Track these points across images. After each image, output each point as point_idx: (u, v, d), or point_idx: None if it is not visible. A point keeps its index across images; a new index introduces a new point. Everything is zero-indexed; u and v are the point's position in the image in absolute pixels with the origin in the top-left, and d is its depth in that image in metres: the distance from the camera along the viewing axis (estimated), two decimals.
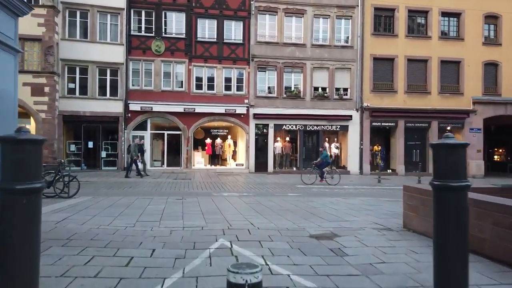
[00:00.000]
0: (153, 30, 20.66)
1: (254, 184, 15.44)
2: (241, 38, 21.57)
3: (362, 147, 22.65)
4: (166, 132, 21.39)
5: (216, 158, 22.73)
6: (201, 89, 21.25)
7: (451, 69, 23.62)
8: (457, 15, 23.46)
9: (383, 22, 23.15)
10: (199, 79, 21.27)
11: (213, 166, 22.22)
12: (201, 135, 22.55)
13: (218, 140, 22.34)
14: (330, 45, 22.39)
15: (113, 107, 20.14)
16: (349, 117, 22.33)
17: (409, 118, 23.02)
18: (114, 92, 20.29)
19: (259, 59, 21.75)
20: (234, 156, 22.73)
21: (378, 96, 22.81)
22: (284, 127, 22.20)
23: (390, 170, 23.40)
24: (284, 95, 22.00)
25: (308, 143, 23.16)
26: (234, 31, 21.56)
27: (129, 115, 20.32)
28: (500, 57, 23.67)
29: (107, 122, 20.22)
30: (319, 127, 22.46)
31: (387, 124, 23.16)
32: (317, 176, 15.96)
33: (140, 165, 16.91)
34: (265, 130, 22.05)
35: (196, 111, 20.81)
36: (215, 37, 21.32)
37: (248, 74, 21.62)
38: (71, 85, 19.90)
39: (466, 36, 23.34)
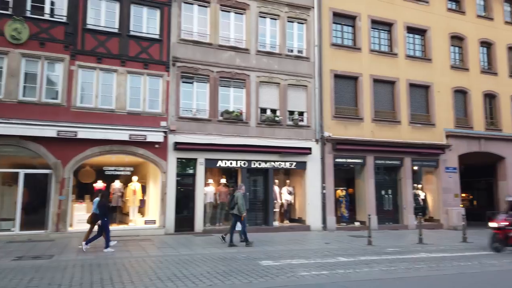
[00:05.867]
0: (11, 4, 13.01)
1: (185, 271, 8.26)
2: (158, 32, 15.01)
3: (324, 191, 16.94)
4: (22, 172, 13.13)
5: (113, 212, 14.88)
6: (90, 103, 13.82)
7: (421, 95, 19.92)
8: (422, 32, 20.17)
9: (344, 31, 18.68)
10: (87, 88, 13.91)
11: None
12: (90, 177, 14.71)
13: (117, 184, 14.76)
14: (280, 54, 16.99)
15: None
16: (308, 150, 16.67)
17: (378, 153, 18.24)
18: None
19: (183, 65, 15.27)
20: (142, 209, 15.17)
21: (341, 124, 17.74)
22: (219, 163, 15.59)
23: (358, 223, 17.93)
24: (220, 118, 15.64)
25: (254, 187, 16.69)
26: (146, 21, 14.95)
27: None
28: (468, 84, 20.73)
29: None
30: (268, 163, 16.30)
31: (353, 160, 17.99)
32: None
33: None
34: (191, 168, 15.11)
35: (79, 136, 13.17)
36: (117, 26, 14.45)
37: (167, 85, 14.89)
38: None
39: (433, 57, 20.04)
